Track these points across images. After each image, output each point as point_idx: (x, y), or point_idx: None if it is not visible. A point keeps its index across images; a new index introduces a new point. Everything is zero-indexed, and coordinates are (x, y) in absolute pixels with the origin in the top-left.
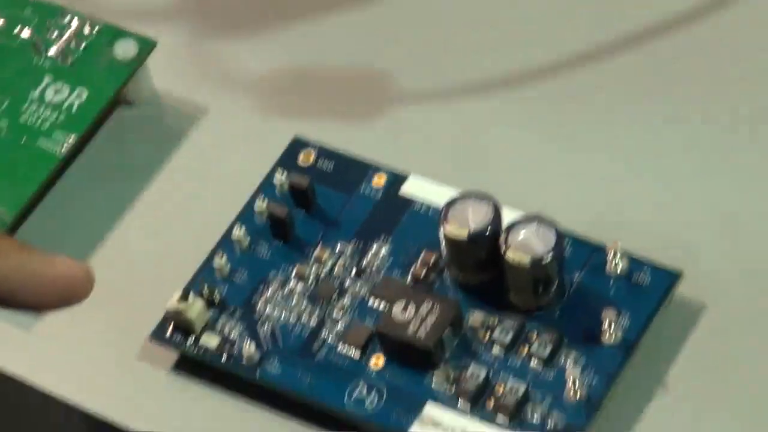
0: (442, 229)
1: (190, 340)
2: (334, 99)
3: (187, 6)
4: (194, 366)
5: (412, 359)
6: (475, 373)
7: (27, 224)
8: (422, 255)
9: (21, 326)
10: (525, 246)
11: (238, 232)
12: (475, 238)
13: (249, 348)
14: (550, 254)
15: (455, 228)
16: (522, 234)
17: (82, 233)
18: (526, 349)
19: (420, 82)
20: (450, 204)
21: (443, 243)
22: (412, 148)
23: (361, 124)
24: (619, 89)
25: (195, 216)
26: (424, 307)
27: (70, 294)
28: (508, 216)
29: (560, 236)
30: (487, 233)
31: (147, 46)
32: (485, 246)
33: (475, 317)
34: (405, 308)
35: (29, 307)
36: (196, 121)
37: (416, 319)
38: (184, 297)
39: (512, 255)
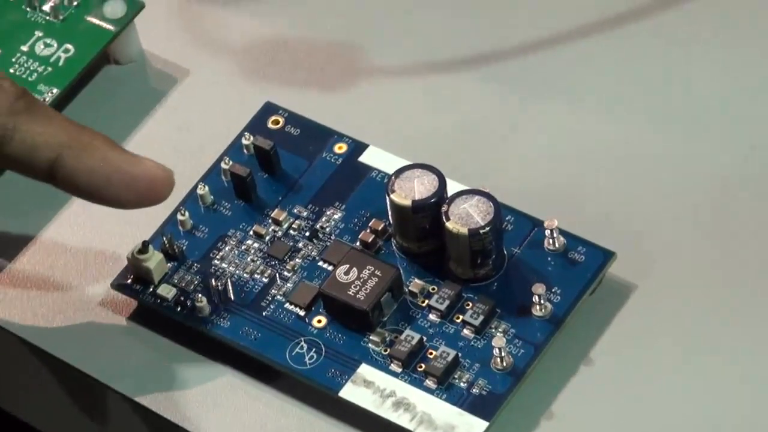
0: (387, 197)
1: (149, 290)
2: (308, 69)
3: None
4: (152, 316)
5: (352, 320)
6: (409, 337)
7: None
8: (372, 222)
9: None
10: (465, 217)
11: (203, 190)
12: (419, 207)
13: (201, 301)
14: (488, 227)
15: (400, 197)
16: (463, 206)
17: None
18: (460, 318)
19: (390, 58)
20: (398, 173)
21: (389, 211)
22: (376, 119)
23: (331, 94)
24: (572, 77)
25: (175, 166)
26: (366, 272)
27: (151, 193)
28: (453, 189)
29: (498, 210)
30: (430, 203)
31: (135, 7)
32: (428, 216)
33: (415, 284)
34: (348, 271)
35: (111, 202)
36: (177, 82)
37: (357, 281)
38: (144, 248)
39: (452, 225)
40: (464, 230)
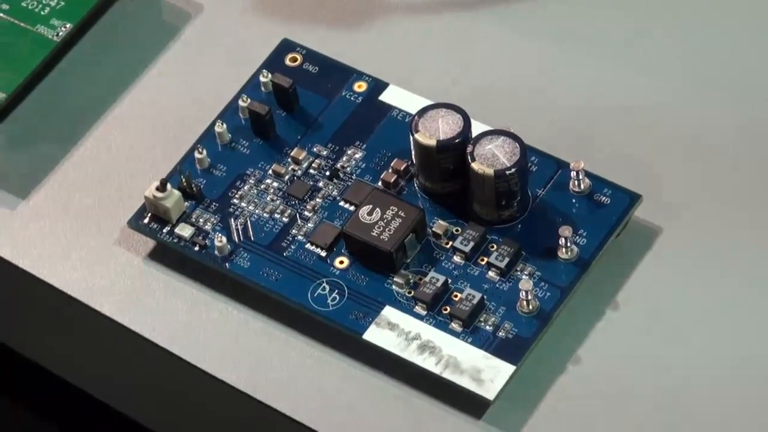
0: (412, 136)
1: (166, 228)
2: (326, 4)
3: None
4: (169, 255)
5: (375, 262)
6: (434, 279)
7: (23, 106)
8: (393, 162)
9: (6, 205)
10: (490, 158)
11: (220, 128)
12: (443, 147)
13: (221, 240)
14: (514, 168)
15: (425, 136)
16: (488, 146)
17: (74, 119)
18: (485, 260)
19: None
20: (421, 113)
21: (413, 151)
22: (397, 57)
23: (349, 31)
24: (598, 20)
25: (184, 110)
26: (389, 212)
27: None
28: (477, 129)
29: (524, 151)
30: (455, 143)
31: None
32: (453, 156)
33: (439, 225)
34: (371, 212)
35: None
36: (191, 18)
37: (381, 222)
38: (162, 186)
39: (477, 166)
40: (490, 171)
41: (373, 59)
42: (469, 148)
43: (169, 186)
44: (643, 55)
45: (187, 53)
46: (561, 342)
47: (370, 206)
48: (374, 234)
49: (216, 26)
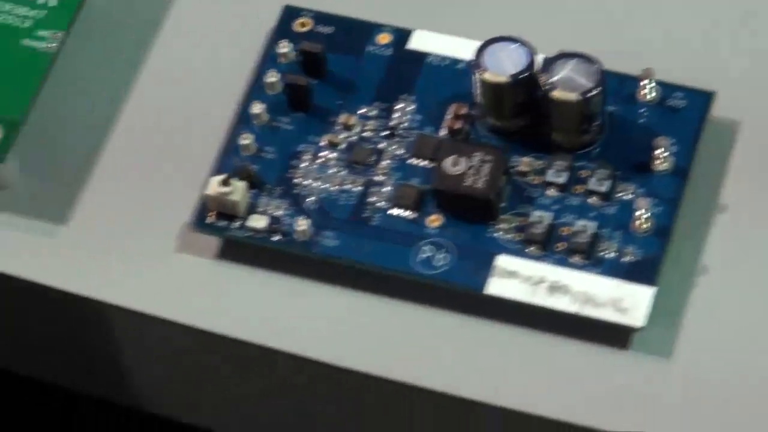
0: (477, 76)
1: (236, 223)
2: None
3: None
4: (240, 251)
5: (472, 213)
6: (539, 217)
7: (29, 127)
8: (453, 107)
9: (46, 235)
10: (570, 83)
11: (258, 108)
12: (517, 81)
13: (301, 224)
14: (598, 87)
15: (493, 74)
16: (564, 71)
17: (87, 123)
18: (582, 188)
19: None
20: (481, 51)
21: (478, 91)
22: (407, 2)
23: None
24: None
25: (197, 96)
26: (475, 158)
27: None
28: (537, 58)
29: (601, 68)
30: (527, 76)
31: None
32: (524, 89)
33: (524, 163)
34: (455, 162)
35: None
36: (171, 4)
37: (470, 170)
38: (227, 181)
39: (559, 94)
40: (573, 96)
41: (382, 10)
42: (543, 77)
43: (231, 178)
44: None
45: (181, 36)
46: (680, 256)
47: (453, 156)
48: (467, 184)
49: (200, 7)
